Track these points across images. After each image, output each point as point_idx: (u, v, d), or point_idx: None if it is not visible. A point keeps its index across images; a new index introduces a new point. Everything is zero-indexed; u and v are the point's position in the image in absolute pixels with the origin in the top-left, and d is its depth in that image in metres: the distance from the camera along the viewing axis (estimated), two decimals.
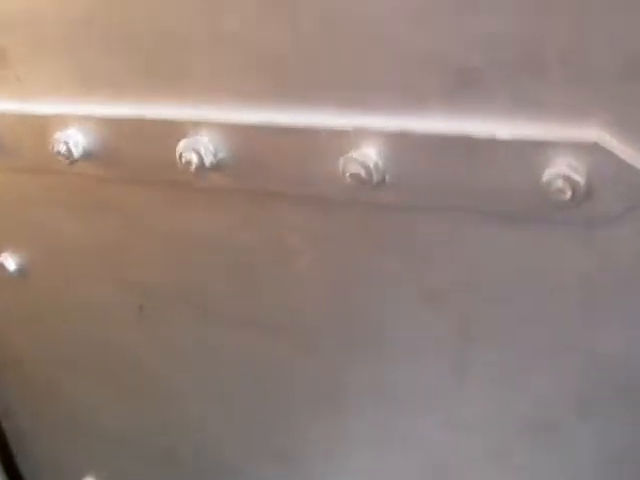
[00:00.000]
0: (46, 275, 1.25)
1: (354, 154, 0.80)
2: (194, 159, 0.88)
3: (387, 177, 0.81)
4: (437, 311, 0.92)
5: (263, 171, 0.89)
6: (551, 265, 0.82)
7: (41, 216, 1.16)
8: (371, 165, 0.80)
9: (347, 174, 0.81)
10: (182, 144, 0.89)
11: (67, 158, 0.99)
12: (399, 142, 0.79)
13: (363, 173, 0.80)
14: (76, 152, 0.98)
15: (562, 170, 0.73)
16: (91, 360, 1.35)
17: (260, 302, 1.05)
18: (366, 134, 0.80)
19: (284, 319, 1.04)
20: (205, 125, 0.89)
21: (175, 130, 0.90)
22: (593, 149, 0.72)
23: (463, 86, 0.75)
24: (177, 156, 0.90)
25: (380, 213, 0.87)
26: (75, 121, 0.98)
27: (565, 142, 0.73)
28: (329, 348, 1.04)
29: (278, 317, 1.05)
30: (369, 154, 0.80)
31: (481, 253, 0.85)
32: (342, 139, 0.81)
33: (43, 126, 1.01)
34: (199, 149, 0.88)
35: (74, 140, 0.98)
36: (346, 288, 0.96)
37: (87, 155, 0.99)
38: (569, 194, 0.73)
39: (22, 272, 1.26)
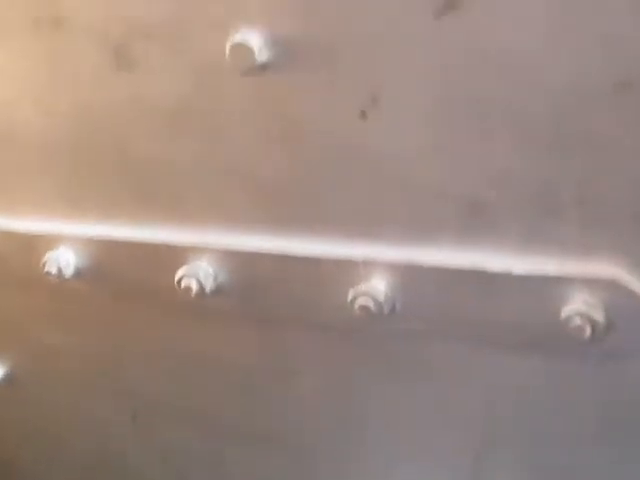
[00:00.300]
0: (35, 382, 1.20)
1: (363, 287, 0.78)
2: (194, 286, 0.85)
3: (397, 306, 0.79)
4: (446, 433, 0.89)
5: (266, 297, 0.86)
6: (566, 392, 0.80)
7: (30, 326, 1.11)
8: (381, 298, 0.78)
9: (356, 306, 0.79)
10: (181, 271, 0.86)
11: (58, 278, 0.95)
12: (410, 274, 0.77)
13: (372, 306, 0.78)
14: (67, 272, 0.95)
15: (581, 308, 0.71)
16: (84, 464, 1.30)
17: (260, 417, 1.02)
18: (376, 265, 0.78)
19: (284, 435, 1.01)
20: (205, 251, 0.86)
21: (173, 254, 0.87)
22: (611, 286, 0.70)
23: (477, 220, 0.73)
24: (175, 281, 0.87)
25: (388, 339, 0.84)
26: (66, 240, 0.95)
27: (582, 278, 0.71)
28: (329, 465, 1.01)
29: (277, 432, 1.02)
30: (379, 287, 0.78)
31: (493, 380, 0.82)
32: (350, 270, 0.79)
33: (32, 244, 0.97)
34: (199, 276, 0.85)
35: (65, 260, 0.95)
36: (348, 409, 0.94)
37: (79, 274, 0.95)
38: (588, 332, 0.71)
39: (9, 379, 1.21)
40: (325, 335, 0.87)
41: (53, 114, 0.88)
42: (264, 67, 0.74)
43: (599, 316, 0.70)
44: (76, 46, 0.83)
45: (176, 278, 0.86)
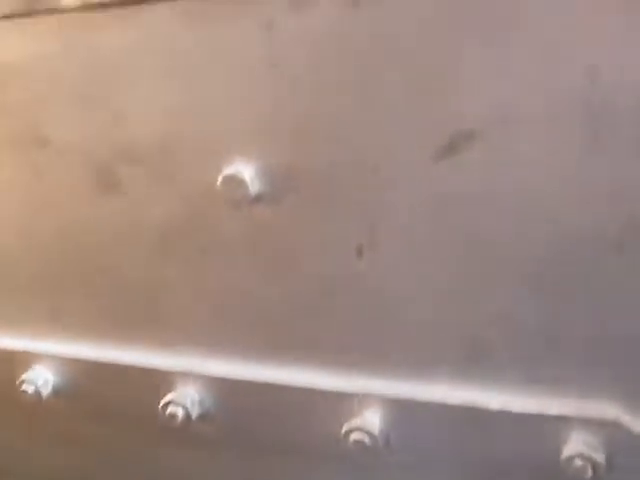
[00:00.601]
0: None
1: (358, 420, 0.76)
2: (180, 413, 0.82)
3: (392, 440, 0.77)
4: None
5: (255, 426, 0.84)
6: None
7: (7, 441, 1.06)
8: (376, 432, 0.76)
9: (350, 440, 0.76)
10: (167, 397, 0.83)
11: (35, 397, 0.91)
12: (406, 408, 0.76)
13: (367, 440, 0.76)
14: (45, 391, 0.91)
15: (582, 449, 0.69)
16: None
17: None
18: (371, 398, 0.76)
19: None
20: (192, 376, 0.83)
21: (158, 379, 0.84)
22: (611, 426, 0.69)
23: (475, 357, 0.72)
24: (160, 407, 0.83)
25: (382, 470, 0.82)
26: (44, 359, 0.91)
27: (582, 418, 0.70)
28: None
29: None
30: (373, 420, 0.76)
31: None
32: (345, 402, 0.77)
33: (9, 361, 0.93)
34: (185, 403, 0.82)
35: (43, 379, 0.91)
36: None
37: (57, 394, 0.91)
38: (589, 475, 0.69)
39: None
40: (316, 465, 0.85)
41: (35, 232, 0.86)
42: (257, 199, 0.72)
43: (600, 457, 0.69)
44: (59, 166, 0.81)
45: (161, 404, 0.83)
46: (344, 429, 0.76)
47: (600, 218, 0.63)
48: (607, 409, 0.69)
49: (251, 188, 0.72)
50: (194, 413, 0.83)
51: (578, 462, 0.69)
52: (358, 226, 0.70)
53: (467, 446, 0.74)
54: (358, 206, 0.70)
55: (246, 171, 0.72)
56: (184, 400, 0.82)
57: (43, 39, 0.77)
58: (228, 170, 0.72)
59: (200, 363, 0.83)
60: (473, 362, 0.72)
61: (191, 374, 0.83)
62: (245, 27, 0.68)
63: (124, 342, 0.86)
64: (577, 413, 0.70)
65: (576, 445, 0.70)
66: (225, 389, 0.82)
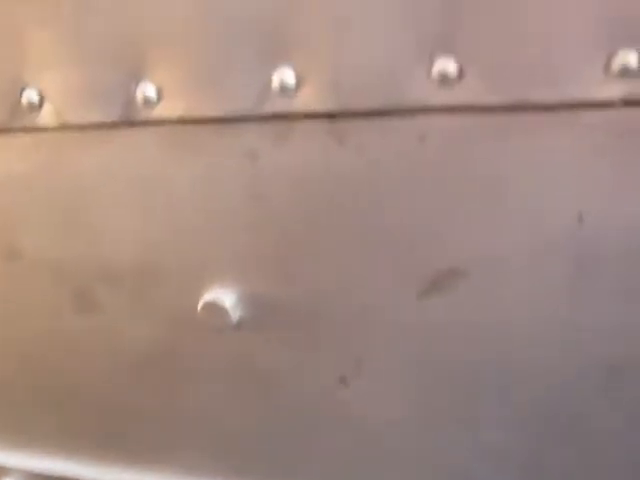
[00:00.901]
0: None
1: None
2: None
3: None
4: None
5: None
6: None
7: None
8: None
9: None
10: None
11: None
12: None
13: None
14: None
15: None
16: None
17: None
18: None
19: None
20: None
21: None
22: None
23: None
24: None
25: None
26: (13, 473, 0.87)
27: None
28: None
29: None
30: None
31: None
32: None
33: None
34: None
35: None
36: None
37: None
38: None
39: None
40: None
41: (5, 343, 0.83)
42: (238, 325, 0.71)
43: None
44: (32, 281, 0.79)
45: None
46: None
47: (584, 357, 0.63)
48: None
49: (232, 315, 0.70)
50: None
51: None
52: (342, 356, 0.69)
53: None
54: (341, 337, 0.69)
55: (227, 298, 0.70)
56: None
57: (20, 156, 0.75)
58: (209, 297, 0.70)
59: None
60: None
61: None
62: (229, 156, 0.67)
63: (95, 459, 0.83)
64: None
65: None
66: None
